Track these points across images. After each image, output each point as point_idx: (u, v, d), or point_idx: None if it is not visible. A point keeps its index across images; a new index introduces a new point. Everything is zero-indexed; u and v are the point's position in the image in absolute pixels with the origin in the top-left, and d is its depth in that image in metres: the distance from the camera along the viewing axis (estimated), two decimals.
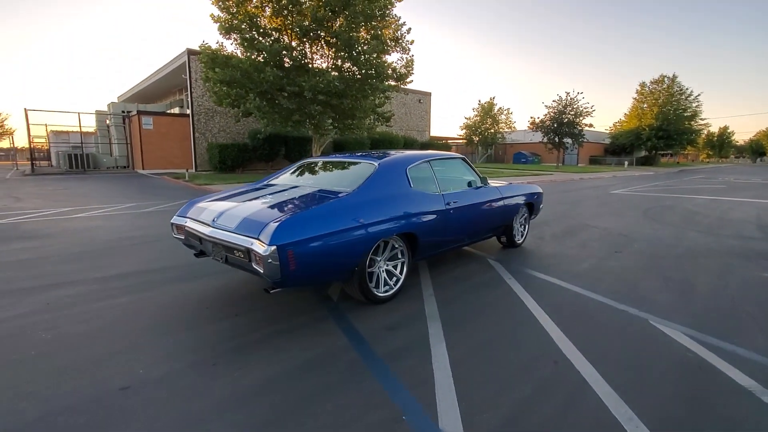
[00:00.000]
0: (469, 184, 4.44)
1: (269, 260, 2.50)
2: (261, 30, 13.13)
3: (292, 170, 4.27)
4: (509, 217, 4.93)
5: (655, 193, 13.03)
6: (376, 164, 3.54)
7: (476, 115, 47.02)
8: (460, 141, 49.15)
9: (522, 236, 5.41)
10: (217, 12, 13.06)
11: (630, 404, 2.02)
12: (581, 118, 30.00)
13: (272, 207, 3.03)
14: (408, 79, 14.84)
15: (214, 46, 13.43)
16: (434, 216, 3.68)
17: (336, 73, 13.87)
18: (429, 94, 28.61)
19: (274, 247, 2.51)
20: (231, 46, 13.50)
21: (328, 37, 13.19)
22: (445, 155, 4.42)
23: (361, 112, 14.30)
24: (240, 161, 18.71)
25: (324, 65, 14.30)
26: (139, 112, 20.85)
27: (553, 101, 31.26)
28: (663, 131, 40.22)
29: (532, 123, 32.69)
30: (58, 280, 3.98)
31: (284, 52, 13.15)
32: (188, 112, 19.98)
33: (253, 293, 3.54)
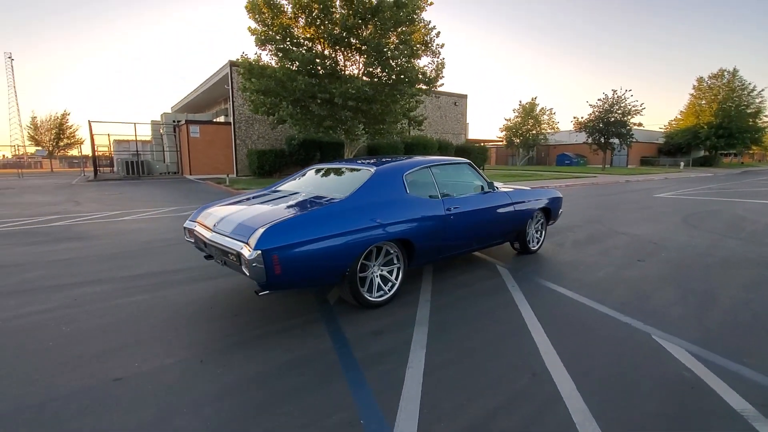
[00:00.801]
0: (475, 189, 4.39)
1: (254, 264, 2.63)
2: (295, 40, 13.61)
3: (300, 176, 4.43)
4: (521, 223, 4.79)
5: (704, 197, 12.05)
6: (372, 170, 3.60)
7: (517, 116, 45.78)
8: (500, 143, 48.01)
9: (538, 243, 5.24)
10: (254, 25, 13.72)
11: (600, 422, 1.94)
12: (630, 117, 28.35)
13: (266, 212, 3.17)
14: (438, 83, 14.77)
15: (252, 58, 14.12)
16: (432, 222, 3.68)
17: (367, 79, 14.09)
18: (465, 97, 28.22)
19: (259, 252, 2.64)
20: (267, 57, 14.06)
21: (358, 44, 13.44)
22: (450, 160, 4.40)
23: (392, 117, 14.41)
24: (277, 166, 19.43)
25: (355, 72, 14.59)
26: (187, 122, 22.26)
27: (599, 100, 29.82)
28: (723, 129, 37.00)
29: (576, 123, 31.35)
30: (90, 278, 4.37)
31: (317, 60, 13.57)
32: (231, 120, 21.06)
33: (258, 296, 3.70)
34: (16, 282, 4.24)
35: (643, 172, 27.27)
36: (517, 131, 45.11)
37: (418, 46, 13.73)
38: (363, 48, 13.49)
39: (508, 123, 46.28)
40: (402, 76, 13.57)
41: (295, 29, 13.88)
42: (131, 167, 24.63)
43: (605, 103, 29.25)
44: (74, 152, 55.37)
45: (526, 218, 4.84)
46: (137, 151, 25.51)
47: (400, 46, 13.09)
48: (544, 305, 3.43)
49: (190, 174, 22.62)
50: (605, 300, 3.53)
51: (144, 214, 9.10)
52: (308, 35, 13.90)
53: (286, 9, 13.45)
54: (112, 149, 30.88)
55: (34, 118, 58.49)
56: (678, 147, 42.12)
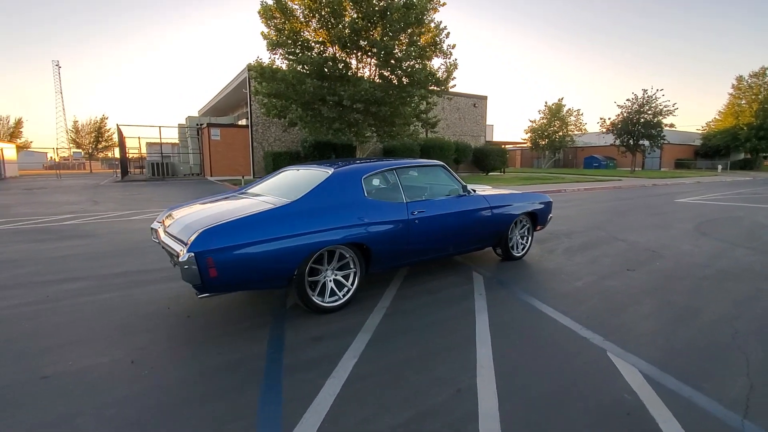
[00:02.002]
0: (451, 192, 4.24)
1: (185, 266, 2.62)
2: (305, 44, 13.77)
3: (270, 177, 4.42)
4: (501, 228, 4.59)
5: (730, 202, 11.28)
6: (329, 173, 3.54)
7: (542, 118, 44.64)
8: (524, 145, 46.90)
9: (523, 249, 5.01)
10: (266, 30, 13.97)
11: None
12: (661, 118, 27.03)
13: (214, 215, 3.16)
14: (450, 84, 14.56)
15: (266, 62, 14.37)
16: (393, 226, 3.57)
17: (379, 80, 14.05)
18: (485, 98, 27.71)
19: (191, 254, 2.62)
20: (279, 61, 14.28)
21: (367, 46, 13.44)
22: (422, 163, 4.28)
23: (401, 119, 14.31)
24: None
25: (367, 74, 14.59)
26: (209, 125, 22.94)
27: (627, 100, 28.62)
28: (765, 130, 34.68)
29: (603, 124, 30.23)
30: (73, 275, 4.51)
31: (329, 63, 13.67)
32: (248, 123, 21.52)
33: (219, 296, 3.68)
34: (5, 277, 4.42)
35: (675, 176, 25.90)
36: (543, 133, 43.97)
37: (427, 47, 13.58)
38: (372, 50, 13.48)
39: (533, 125, 45.20)
40: (411, 78, 13.46)
41: (306, 32, 14.05)
42: (157, 169, 25.64)
43: (634, 103, 28.04)
44: (109, 154, 58.39)
45: (507, 223, 4.64)
46: (161, 153, 26.52)
47: (409, 48, 12.99)
48: (503, 315, 3.26)
49: (211, 175, 23.28)
50: (571, 312, 3.31)
51: (152, 214, 9.38)
52: (319, 39, 14.03)
53: (297, 13, 13.63)
54: (143, 151, 32.42)
55: (75, 121, 62.25)
56: (716, 149, 39.84)
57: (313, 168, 3.92)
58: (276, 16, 13.65)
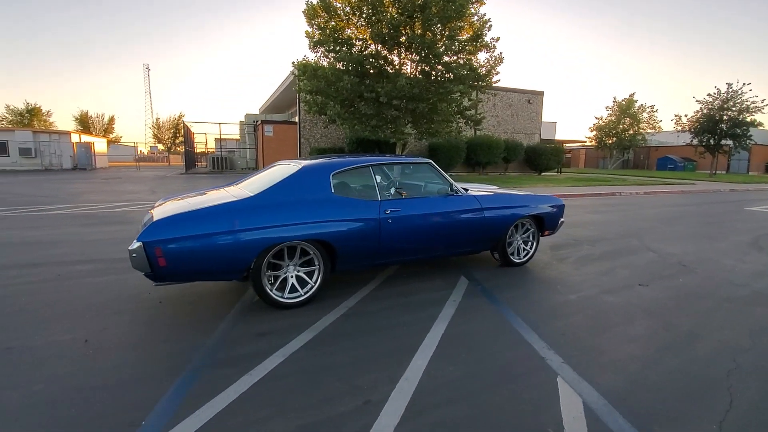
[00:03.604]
0: (439, 192, 4.03)
1: (133, 255, 2.73)
2: (346, 41, 13.91)
3: (260, 171, 4.50)
4: (495, 232, 4.27)
5: None
6: (296, 168, 3.51)
7: (610, 115, 41.27)
8: (590, 144, 43.69)
9: (526, 255, 4.63)
10: (310, 29, 14.32)
11: None
12: (748, 115, 23.73)
13: (181, 206, 3.26)
14: (494, 80, 13.92)
15: (312, 60, 14.76)
16: (361, 224, 3.46)
17: (421, 76, 13.82)
18: (541, 94, 26.12)
19: (140, 243, 2.73)
20: (321, 59, 14.58)
21: (406, 42, 13.26)
22: (406, 160, 4.10)
23: (440, 116, 13.96)
24: None
25: (409, 69, 14.42)
26: (263, 122, 24.14)
27: (708, 95, 25.48)
28: None
29: (678, 121, 27.25)
30: (92, 257, 4.93)
31: (371, 59, 13.69)
32: (297, 120, 22.29)
33: (203, 285, 3.82)
34: (38, 256, 4.95)
35: (762, 181, 22.66)
36: (610, 131, 40.65)
37: (468, 42, 13.07)
38: (411, 46, 13.26)
39: (600, 122, 41.95)
40: (448, 74, 13.06)
41: (349, 29, 14.18)
42: (217, 162, 27.53)
43: (716, 98, 24.89)
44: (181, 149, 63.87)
45: (503, 226, 4.31)
46: (221, 148, 28.44)
47: (446, 42, 12.60)
48: (464, 326, 3.02)
49: None
50: (542, 327, 2.98)
51: None
52: (360, 36, 14.10)
53: (340, 11, 13.81)
54: (208, 146, 35.16)
55: (158, 119, 69.10)
56: None
57: (292, 163, 3.91)
58: (320, 15, 13.94)
